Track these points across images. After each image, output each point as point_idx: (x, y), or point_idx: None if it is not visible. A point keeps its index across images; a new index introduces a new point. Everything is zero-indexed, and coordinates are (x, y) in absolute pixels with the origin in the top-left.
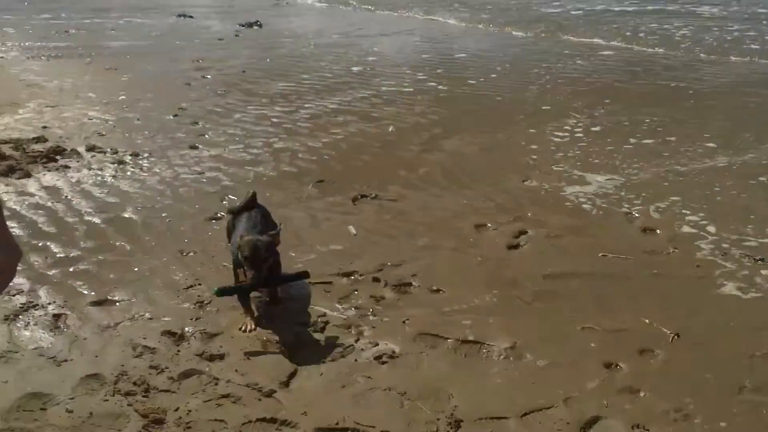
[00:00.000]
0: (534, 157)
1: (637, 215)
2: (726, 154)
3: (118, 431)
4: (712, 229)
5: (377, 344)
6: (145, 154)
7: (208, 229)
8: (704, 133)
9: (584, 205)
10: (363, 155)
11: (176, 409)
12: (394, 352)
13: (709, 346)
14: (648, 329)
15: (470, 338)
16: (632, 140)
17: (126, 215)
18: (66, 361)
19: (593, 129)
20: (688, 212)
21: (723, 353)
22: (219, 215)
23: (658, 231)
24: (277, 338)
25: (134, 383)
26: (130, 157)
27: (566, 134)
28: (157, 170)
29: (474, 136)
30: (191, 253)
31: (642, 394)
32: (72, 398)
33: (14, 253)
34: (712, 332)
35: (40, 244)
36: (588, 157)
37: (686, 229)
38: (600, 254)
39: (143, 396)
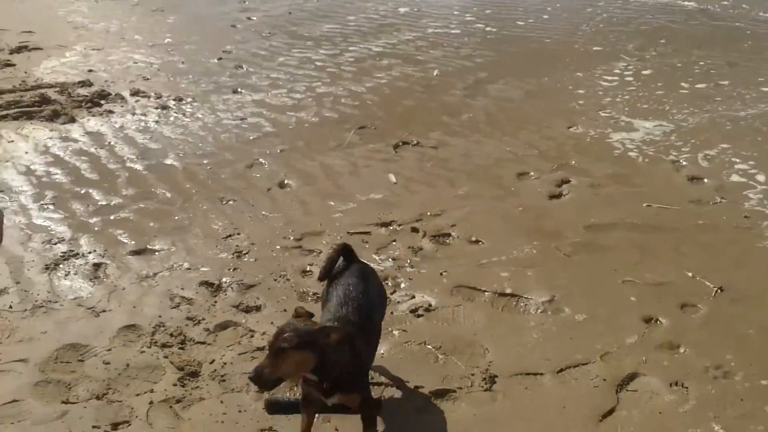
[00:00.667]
0: (581, 102)
1: (684, 163)
2: None
3: (153, 383)
4: (761, 177)
5: (413, 297)
6: (189, 99)
7: (248, 176)
8: (759, 77)
9: (630, 153)
10: (406, 100)
11: (211, 362)
12: (430, 305)
13: (752, 301)
14: (690, 283)
15: (508, 291)
16: (684, 84)
17: (168, 162)
18: (104, 311)
19: (644, 72)
20: (737, 160)
21: (766, 309)
22: (260, 161)
23: (706, 180)
24: (313, 290)
25: (171, 335)
26: (173, 102)
27: (615, 78)
28: (200, 115)
29: (520, 80)
30: (230, 202)
31: (682, 350)
32: (109, 350)
33: None
34: (756, 286)
35: (82, 192)
36: (637, 102)
37: (735, 178)
38: (644, 204)
39: (179, 348)
